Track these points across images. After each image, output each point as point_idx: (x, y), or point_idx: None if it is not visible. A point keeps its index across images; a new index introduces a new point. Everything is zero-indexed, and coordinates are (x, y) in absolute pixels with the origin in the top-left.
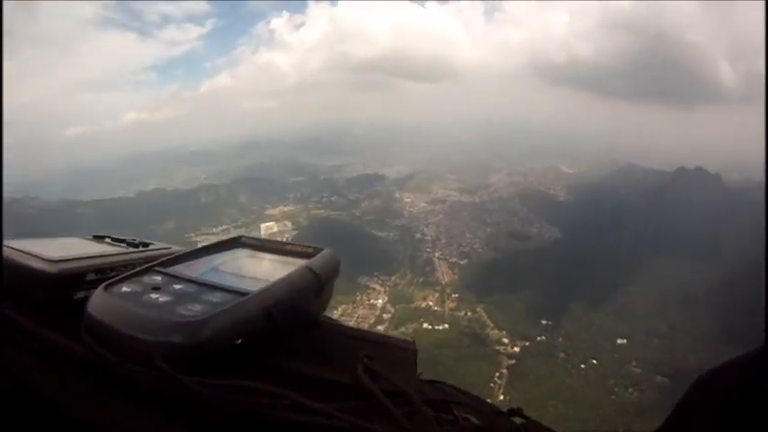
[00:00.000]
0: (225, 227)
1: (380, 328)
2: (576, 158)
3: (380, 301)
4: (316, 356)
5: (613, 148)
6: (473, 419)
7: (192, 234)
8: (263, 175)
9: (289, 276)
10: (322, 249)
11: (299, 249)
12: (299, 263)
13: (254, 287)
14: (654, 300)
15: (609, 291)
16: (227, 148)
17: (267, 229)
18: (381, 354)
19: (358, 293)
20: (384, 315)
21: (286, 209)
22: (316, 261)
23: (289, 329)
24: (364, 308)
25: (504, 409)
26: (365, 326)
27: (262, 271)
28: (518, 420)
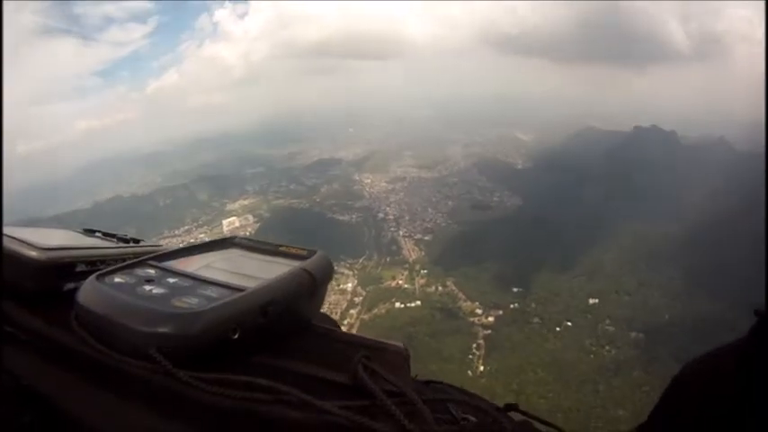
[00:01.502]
0: (187, 227)
1: (353, 312)
2: (532, 126)
3: (350, 284)
4: (311, 357)
5: (569, 112)
6: (471, 418)
7: (155, 239)
8: (220, 171)
9: (285, 276)
10: (316, 252)
11: (293, 251)
12: (294, 264)
13: (250, 284)
14: (621, 258)
15: (576, 253)
16: (179, 147)
17: (229, 224)
18: (375, 357)
19: (331, 280)
20: (355, 298)
21: (246, 202)
22: (311, 263)
23: (283, 329)
24: (335, 293)
25: (501, 405)
26: (337, 311)
27: (257, 270)
28: (515, 416)
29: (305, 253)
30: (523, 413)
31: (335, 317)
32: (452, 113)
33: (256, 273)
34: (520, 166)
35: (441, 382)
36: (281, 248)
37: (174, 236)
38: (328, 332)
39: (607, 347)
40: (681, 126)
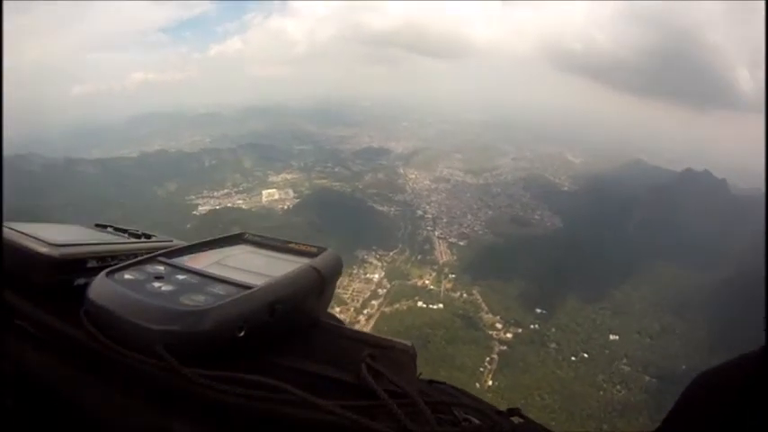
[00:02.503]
0: (227, 191)
1: (374, 303)
2: (584, 149)
3: (377, 276)
4: (317, 355)
5: (622, 141)
6: (473, 420)
7: (193, 197)
8: (268, 142)
9: (293, 273)
10: (325, 249)
11: (303, 248)
12: (302, 261)
13: (258, 282)
14: (650, 299)
15: (606, 285)
16: (233, 112)
17: (269, 195)
18: (381, 356)
19: (355, 267)
20: (379, 290)
21: (289, 176)
22: (320, 260)
23: (291, 326)
24: (360, 281)
25: (504, 409)
26: (360, 300)
27: (265, 267)
28: (517, 420)
29: (314, 250)
30: (525, 418)
31: (357, 305)
32: (506, 121)
33: (265, 270)
34: (566, 188)
35: (444, 383)
36: (290, 245)
37: (213, 197)
38: (335, 330)
39: (618, 387)
40: (732, 175)
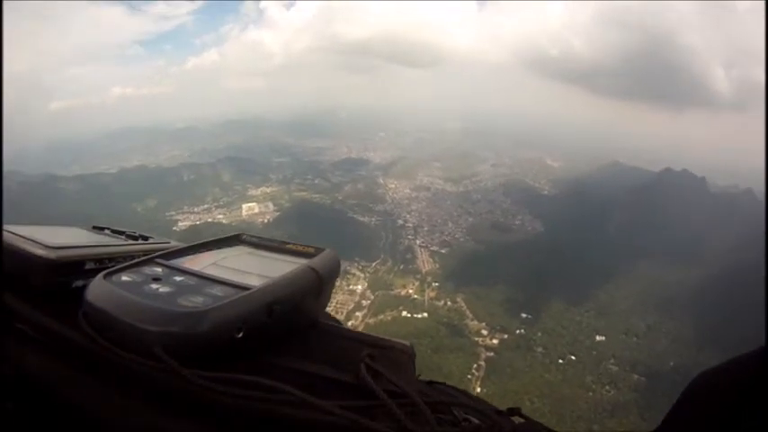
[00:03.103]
0: (207, 206)
1: (359, 314)
2: (562, 153)
3: (360, 287)
4: (316, 355)
5: (600, 144)
6: (473, 420)
7: (173, 212)
8: (247, 155)
9: (291, 274)
10: (323, 249)
11: (301, 249)
12: (300, 262)
13: (256, 283)
14: (634, 298)
15: (589, 287)
16: (211, 125)
17: (249, 209)
18: (380, 356)
19: (337, 279)
20: (363, 301)
21: (268, 190)
22: (317, 261)
23: (289, 327)
24: (343, 293)
25: (504, 408)
26: (344, 312)
27: (263, 268)
28: (517, 420)
29: (312, 251)
30: (525, 418)
31: (341, 317)
32: (484, 128)
33: (263, 271)
34: (546, 192)
35: (444, 383)
36: (288, 246)
37: (193, 212)
38: (334, 330)
39: (607, 387)
40: (710, 173)
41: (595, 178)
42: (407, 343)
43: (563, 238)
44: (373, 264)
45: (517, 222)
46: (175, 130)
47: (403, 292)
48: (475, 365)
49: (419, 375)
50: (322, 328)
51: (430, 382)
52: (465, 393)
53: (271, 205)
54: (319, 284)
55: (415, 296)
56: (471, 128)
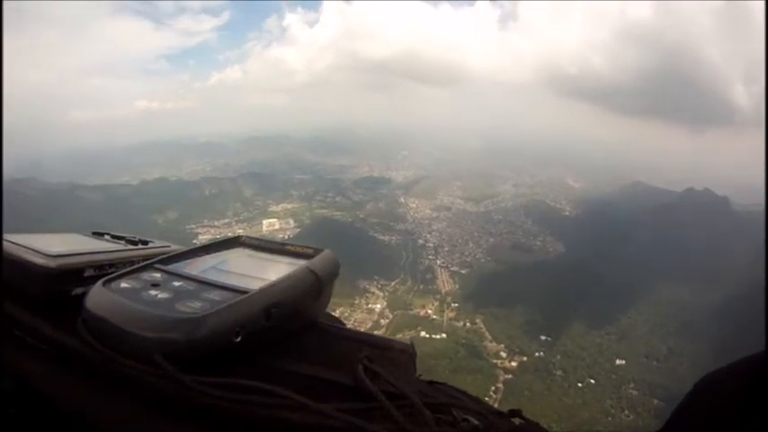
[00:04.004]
0: (227, 220)
1: (377, 333)
2: (584, 173)
3: (379, 306)
4: (315, 357)
5: (621, 164)
6: (472, 420)
7: (194, 226)
8: (269, 171)
9: (289, 276)
10: (322, 250)
11: (300, 250)
12: (299, 263)
13: (254, 286)
14: (655, 321)
15: (610, 310)
16: (233, 141)
17: (269, 225)
18: (380, 356)
19: (357, 297)
20: (382, 320)
21: (289, 206)
22: (316, 262)
23: (288, 329)
24: (362, 312)
25: (504, 410)
26: (361, 330)
27: (262, 270)
28: (517, 421)
29: (311, 252)
30: (526, 420)
31: None
32: (504, 148)
33: (261, 273)
34: (567, 213)
35: (443, 384)
36: (287, 247)
37: (214, 226)
38: (334, 331)
39: (626, 411)
40: (733, 191)
41: (617, 199)
42: (408, 342)
43: (584, 259)
44: (393, 283)
45: (538, 243)
46: (198, 145)
47: (422, 312)
48: (493, 388)
49: (420, 375)
50: (322, 329)
51: (430, 383)
52: (465, 394)
53: (291, 221)
54: (318, 286)
55: (435, 316)
56: (491, 147)
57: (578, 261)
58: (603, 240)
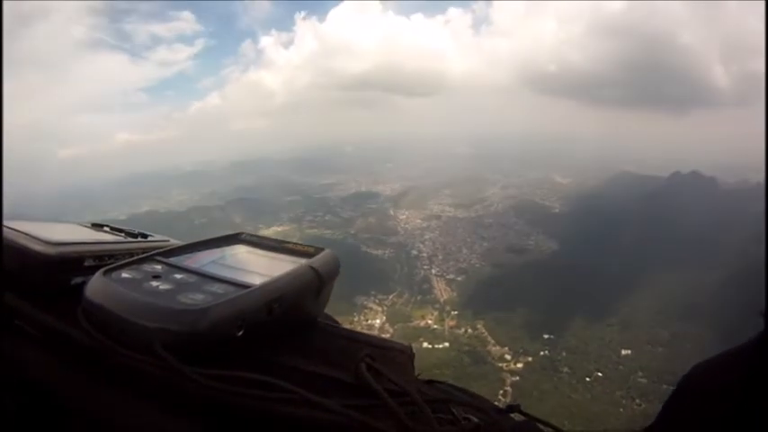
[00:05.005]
0: None
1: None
2: (570, 168)
3: (378, 321)
4: (315, 354)
5: (607, 155)
6: (473, 418)
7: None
8: (256, 195)
9: (291, 273)
10: (323, 249)
11: (300, 248)
12: (300, 261)
13: (256, 281)
14: (656, 308)
15: (610, 301)
16: (219, 168)
17: None
18: (379, 356)
19: (355, 314)
20: (383, 335)
21: (280, 229)
22: (317, 260)
23: (289, 326)
24: (362, 328)
25: (504, 405)
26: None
27: (263, 266)
28: (518, 417)
29: (312, 250)
30: (525, 414)
31: None
32: (490, 152)
33: (262, 269)
34: (557, 210)
35: (443, 382)
36: (287, 245)
37: None
38: (333, 330)
39: (638, 401)
40: (720, 172)
41: (605, 191)
42: (406, 344)
43: (578, 254)
44: (390, 296)
45: (531, 243)
46: (184, 174)
47: (422, 323)
48: (501, 391)
49: (419, 375)
50: (321, 328)
51: (429, 381)
52: (465, 391)
53: None
54: (319, 284)
55: (435, 326)
56: (477, 152)
57: (573, 256)
58: (596, 233)
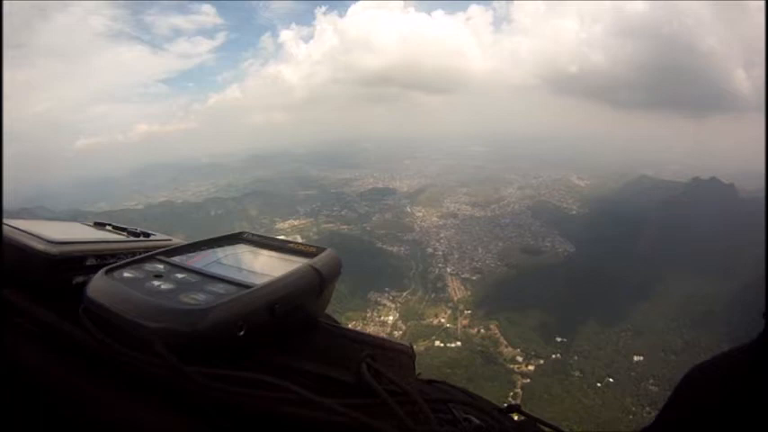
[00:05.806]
0: None
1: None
2: (588, 170)
3: (391, 317)
4: (317, 355)
5: (626, 159)
6: (473, 419)
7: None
8: (273, 189)
9: (293, 273)
10: (325, 249)
11: (302, 248)
12: (302, 261)
13: (257, 281)
14: (670, 315)
15: (624, 306)
16: (236, 160)
17: None
18: (380, 356)
19: (368, 310)
20: (395, 332)
21: (296, 222)
22: (319, 260)
23: (290, 326)
24: (375, 324)
25: (504, 406)
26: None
27: (265, 266)
28: (518, 417)
29: (313, 250)
30: (525, 414)
31: None
32: (508, 150)
33: (264, 269)
34: (574, 212)
35: (443, 382)
36: (289, 245)
37: None
38: (334, 330)
39: (648, 408)
40: (739, 178)
41: (624, 194)
42: (407, 344)
43: (594, 257)
44: (404, 294)
45: (547, 244)
46: (201, 166)
47: (435, 322)
48: (511, 393)
49: (419, 374)
50: (323, 328)
51: (430, 381)
52: (465, 392)
53: (299, 238)
54: (321, 284)
55: (448, 325)
56: (495, 151)
57: (589, 260)
58: (612, 237)
